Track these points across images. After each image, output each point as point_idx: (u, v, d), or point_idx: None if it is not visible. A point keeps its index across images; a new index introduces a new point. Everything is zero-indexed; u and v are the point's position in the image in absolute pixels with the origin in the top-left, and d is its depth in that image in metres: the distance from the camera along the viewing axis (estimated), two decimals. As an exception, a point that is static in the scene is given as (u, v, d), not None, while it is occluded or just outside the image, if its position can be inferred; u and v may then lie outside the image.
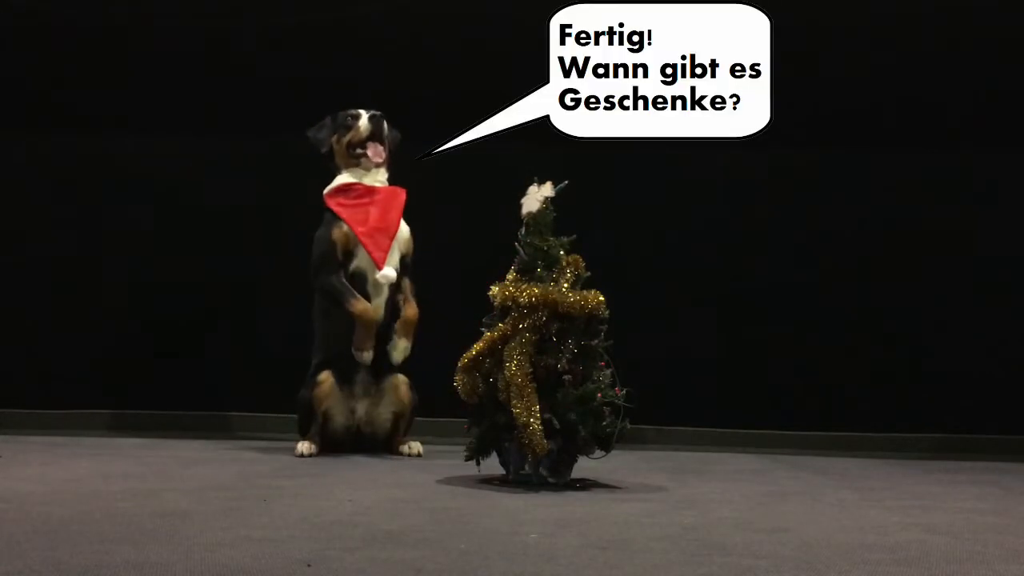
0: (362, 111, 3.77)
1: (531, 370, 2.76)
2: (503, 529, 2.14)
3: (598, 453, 2.90)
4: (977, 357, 4.38)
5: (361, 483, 2.89)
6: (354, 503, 2.47)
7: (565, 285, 2.83)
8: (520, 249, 2.93)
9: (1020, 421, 4.34)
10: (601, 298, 2.85)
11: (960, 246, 4.43)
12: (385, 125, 3.76)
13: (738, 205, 4.49)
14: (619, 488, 2.90)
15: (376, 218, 3.66)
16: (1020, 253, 4.42)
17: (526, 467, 2.84)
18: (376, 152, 3.73)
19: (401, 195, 3.76)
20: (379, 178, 3.76)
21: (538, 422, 2.72)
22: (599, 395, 2.79)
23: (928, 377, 4.38)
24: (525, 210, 2.94)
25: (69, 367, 4.44)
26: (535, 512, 2.39)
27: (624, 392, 2.84)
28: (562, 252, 2.91)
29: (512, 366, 2.75)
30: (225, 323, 4.49)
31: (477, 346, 2.86)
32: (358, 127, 3.73)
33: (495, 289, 2.89)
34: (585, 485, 2.90)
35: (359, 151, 3.74)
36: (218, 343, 4.47)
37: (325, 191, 3.76)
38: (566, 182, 2.94)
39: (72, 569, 1.68)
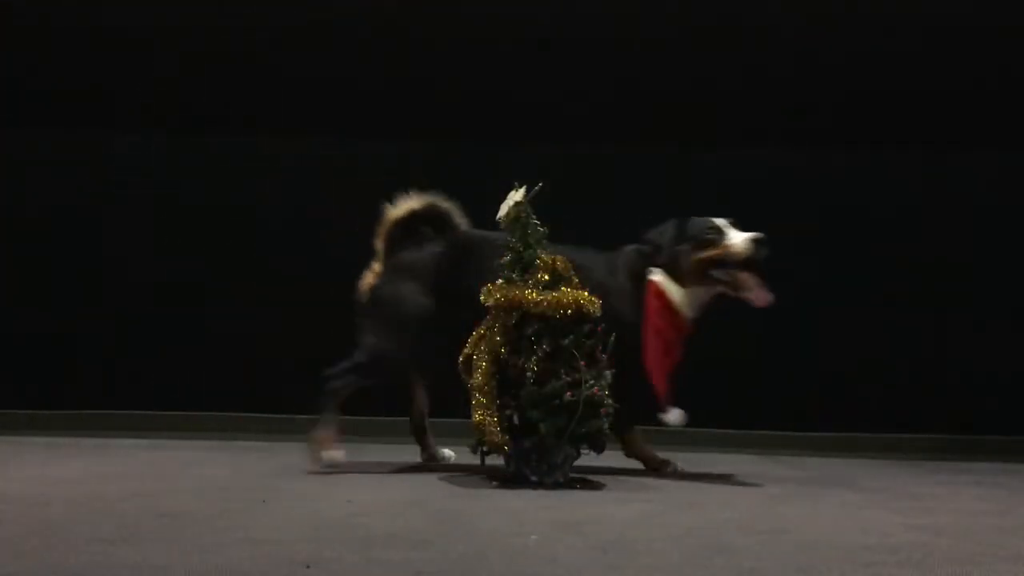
0: (722, 223, 3.23)
1: (494, 370, 2.78)
2: (503, 530, 2.14)
3: (590, 454, 2.91)
4: (979, 358, 4.38)
5: (361, 483, 2.88)
6: (354, 503, 2.46)
7: (529, 289, 2.82)
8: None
9: (1023, 422, 4.34)
10: (583, 298, 2.83)
11: (961, 247, 4.43)
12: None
13: (737, 205, 4.47)
14: (620, 489, 2.89)
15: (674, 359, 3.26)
16: (1021, 253, 4.42)
17: (511, 465, 2.86)
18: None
19: None
20: None
21: (493, 420, 2.74)
22: (568, 393, 2.76)
23: (929, 377, 4.38)
24: (500, 214, 2.97)
25: (69, 367, 4.43)
26: (536, 513, 2.38)
27: (604, 392, 2.81)
28: (541, 253, 2.91)
29: (480, 364, 2.79)
30: (226, 325, 4.49)
31: (468, 347, 2.90)
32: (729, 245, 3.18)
33: (484, 290, 2.91)
34: (586, 486, 2.89)
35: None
36: (219, 344, 4.47)
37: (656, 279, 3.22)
38: (540, 185, 2.94)
39: (71, 570, 1.67)
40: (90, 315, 4.45)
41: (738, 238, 3.17)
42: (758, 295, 3.16)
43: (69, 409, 4.33)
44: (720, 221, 3.22)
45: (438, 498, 2.61)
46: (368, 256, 4.49)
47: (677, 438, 4.31)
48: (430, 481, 2.94)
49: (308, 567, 1.73)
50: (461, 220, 3.40)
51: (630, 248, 3.33)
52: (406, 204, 3.39)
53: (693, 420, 4.41)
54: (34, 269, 4.48)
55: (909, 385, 4.39)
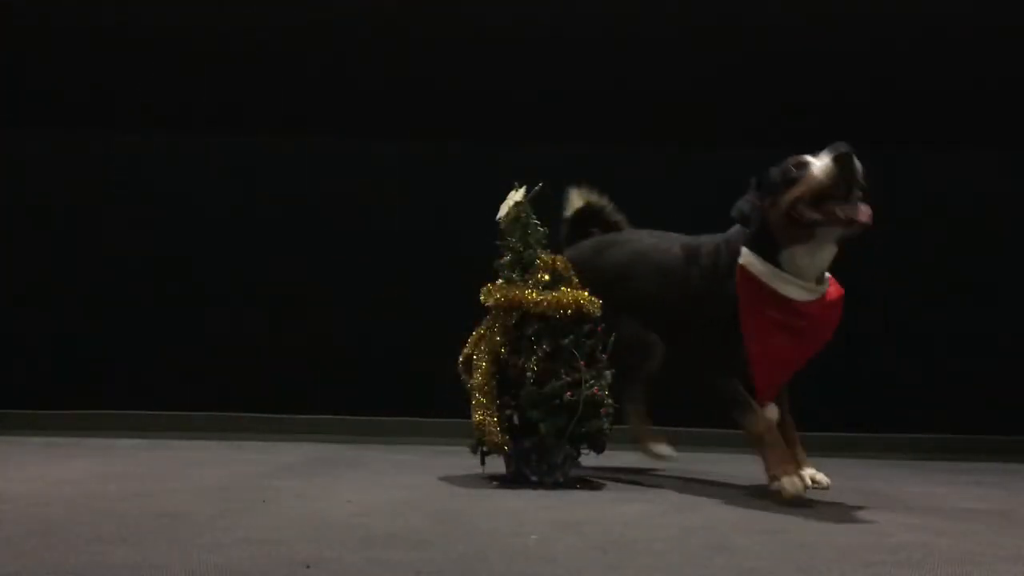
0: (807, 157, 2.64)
1: (494, 370, 2.78)
2: (503, 530, 2.13)
3: (590, 454, 2.90)
4: (979, 358, 4.37)
5: (361, 483, 2.88)
6: (354, 503, 2.46)
7: (529, 289, 2.82)
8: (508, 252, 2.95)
9: (1023, 422, 4.34)
10: (584, 297, 2.83)
11: (961, 247, 4.42)
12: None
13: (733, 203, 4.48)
14: (620, 489, 2.89)
15: (797, 351, 2.89)
16: (1021, 253, 4.42)
17: (513, 466, 2.86)
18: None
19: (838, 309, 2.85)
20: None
21: (493, 420, 2.73)
22: (568, 393, 2.76)
23: (929, 377, 4.37)
24: (500, 214, 2.97)
25: (69, 367, 4.43)
26: (536, 513, 2.38)
27: (604, 393, 2.81)
28: (541, 253, 2.91)
29: (481, 365, 2.79)
30: (225, 324, 4.48)
31: (467, 347, 2.89)
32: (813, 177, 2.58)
33: (484, 290, 2.91)
34: (586, 486, 2.89)
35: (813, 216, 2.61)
36: (218, 344, 4.47)
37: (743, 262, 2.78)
38: (540, 185, 2.94)
39: (71, 570, 1.67)
40: (90, 315, 4.45)
41: (819, 164, 2.57)
42: (861, 212, 2.55)
43: (69, 409, 4.33)
44: (808, 157, 2.63)
45: (438, 498, 2.61)
46: (367, 255, 4.51)
47: (679, 438, 4.31)
48: (430, 481, 2.93)
49: (308, 567, 1.73)
50: (618, 217, 3.40)
51: (715, 239, 2.96)
52: (574, 202, 3.38)
53: (694, 420, 4.43)
54: (34, 269, 4.47)
55: (909, 385, 4.39)
